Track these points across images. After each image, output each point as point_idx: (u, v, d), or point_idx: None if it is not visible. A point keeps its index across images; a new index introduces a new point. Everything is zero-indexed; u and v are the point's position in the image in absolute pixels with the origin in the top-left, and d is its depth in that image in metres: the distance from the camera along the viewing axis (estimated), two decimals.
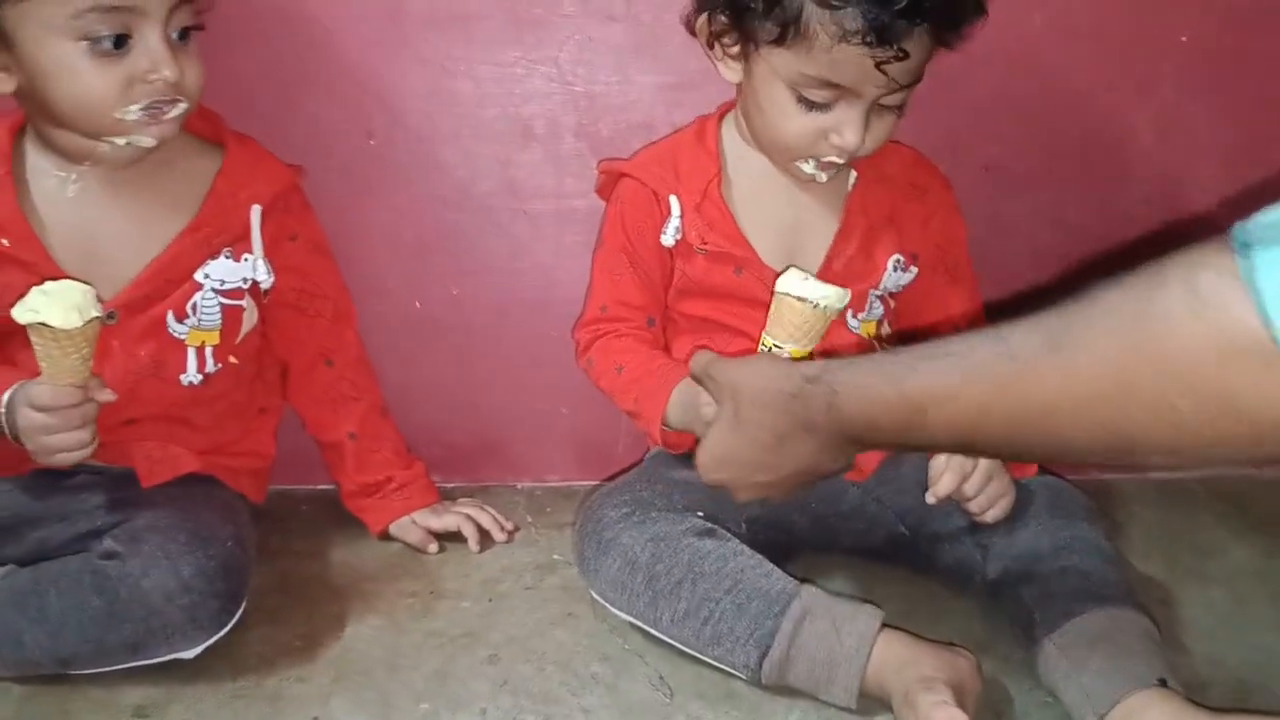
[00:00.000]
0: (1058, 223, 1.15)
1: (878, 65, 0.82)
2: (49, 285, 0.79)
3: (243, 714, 0.81)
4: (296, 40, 1.04)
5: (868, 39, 0.81)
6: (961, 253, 1.02)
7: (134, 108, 0.84)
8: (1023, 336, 0.57)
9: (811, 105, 0.87)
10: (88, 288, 0.80)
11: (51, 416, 0.81)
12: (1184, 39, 1.11)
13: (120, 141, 0.86)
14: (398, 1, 1.04)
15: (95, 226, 0.90)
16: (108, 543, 0.84)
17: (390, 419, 1.07)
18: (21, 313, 0.78)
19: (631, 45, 1.07)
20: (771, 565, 0.85)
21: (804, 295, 0.83)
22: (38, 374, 0.81)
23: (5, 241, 0.88)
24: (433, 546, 1.04)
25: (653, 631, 0.86)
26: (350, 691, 0.84)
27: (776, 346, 0.84)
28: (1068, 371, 0.55)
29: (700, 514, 0.88)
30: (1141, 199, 1.15)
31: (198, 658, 0.84)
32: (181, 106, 0.86)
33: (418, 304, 1.13)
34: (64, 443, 0.82)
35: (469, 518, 1.06)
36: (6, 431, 0.83)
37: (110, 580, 0.81)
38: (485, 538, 1.06)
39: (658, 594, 0.84)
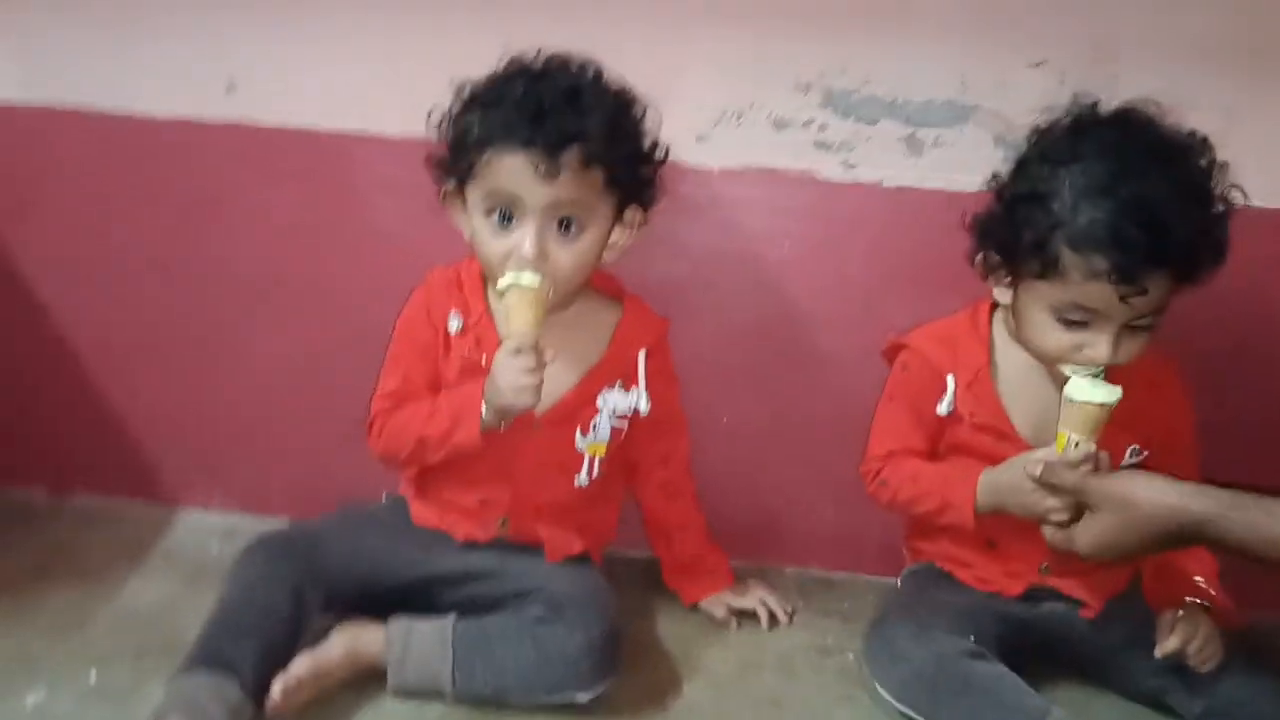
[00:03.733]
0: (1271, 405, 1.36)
1: (1122, 299, 1.03)
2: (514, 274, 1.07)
3: None
4: (660, 219, 1.26)
5: (1112, 278, 1.02)
6: (1188, 439, 1.22)
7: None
8: None
9: (1069, 324, 1.08)
10: (540, 275, 1.08)
11: (524, 356, 1.07)
12: None
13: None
14: (746, 194, 1.33)
15: None
16: (536, 608, 1.14)
17: (702, 511, 1.35)
18: (503, 282, 1.07)
19: (921, 230, 1.32)
20: (1026, 685, 1.10)
21: (1091, 400, 1.04)
22: None
23: (484, 358, 1.15)
24: (734, 623, 1.32)
25: None
26: None
27: (1077, 442, 1.05)
28: None
29: (971, 637, 1.14)
30: None
31: (588, 703, 1.13)
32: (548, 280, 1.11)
33: (725, 419, 1.42)
34: (529, 380, 1.08)
35: (763, 601, 1.34)
36: (485, 415, 1.12)
37: (542, 638, 1.11)
38: (772, 620, 1.33)
39: (938, 701, 1.10)
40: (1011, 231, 1.08)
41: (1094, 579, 1.22)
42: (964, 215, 1.16)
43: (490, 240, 1.11)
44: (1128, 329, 1.07)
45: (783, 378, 1.40)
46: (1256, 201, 1.20)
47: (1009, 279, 1.13)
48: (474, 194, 1.12)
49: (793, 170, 1.32)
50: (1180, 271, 1.05)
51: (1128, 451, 1.19)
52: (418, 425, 1.17)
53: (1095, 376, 1.08)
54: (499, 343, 1.14)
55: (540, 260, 1.09)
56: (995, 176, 1.15)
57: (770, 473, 1.44)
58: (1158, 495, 0.97)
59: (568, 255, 1.11)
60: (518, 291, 1.08)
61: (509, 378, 1.09)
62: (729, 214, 1.34)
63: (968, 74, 1.27)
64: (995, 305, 1.24)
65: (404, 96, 1.21)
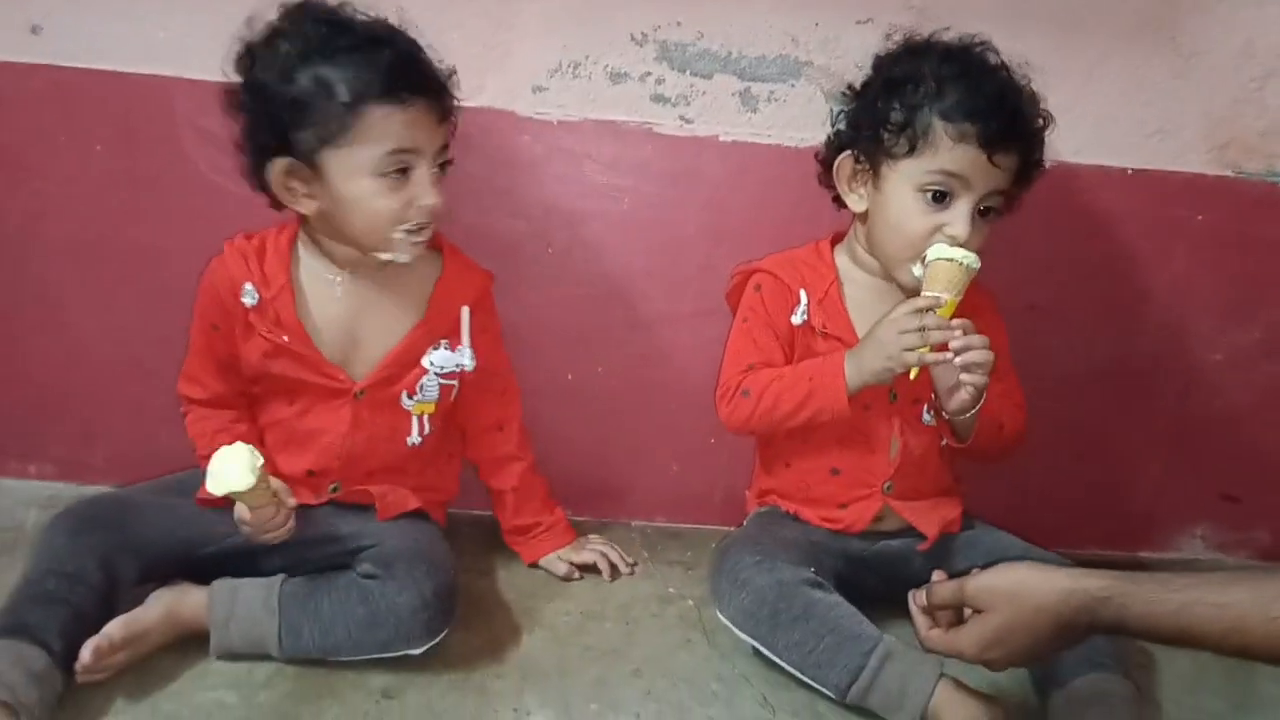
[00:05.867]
0: (1083, 353, 1.44)
1: (989, 158, 1.11)
2: (221, 453, 1.03)
3: (462, 702, 1.09)
4: (499, 171, 1.31)
5: (980, 140, 1.11)
6: (1005, 356, 1.27)
7: (402, 229, 1.10)
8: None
9: (933, 199, 1.14)
10: (248, 447, 1.03)
11: (253, 526, 1.08)
12: (1200, 218, 1.40)
13: (385, 256, 1.13)
14: (585, 147, 1.32)
15: (353, 323, 1.17)
16: (366, 566, 1.11)
17: (540, 474, 1.34)
18: (214, 485, 1.02)
19: (757, 185, 1.35)
20: (862, 616, 1.13)
21: (953, 257, 1.11)
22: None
23: (285, 338, 1.14)
24: (575, 576, 1.32)
25: (767, 653, 1.13)
26: (537, 690, 1.11)
27: (935, 296, 1.11)
28: None
29: (812, 569, 1.16)
30: (1153, 341, 1.44)
31: (422, 654, 1.11)
32: (430, 230, 1.13)
33: (569, 376, 1.41)
34: (267, 537, 1.10)
35: (603, 554, 1.34)
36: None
37: (372, 595, 1.08)
38: (614, 571, 1.34)
39: (778, 625, 1.12)
40: (880, 116, 1.15)
41: (931, 505, 1.27)
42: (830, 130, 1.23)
43: (385, 198, 1.08)
44: (979, 214, 1.15)
45: (625, 334, 1.40)
46: (1065, 158, 1.28)
47: (868, 178, 1.18)
48: (356, 156, 1.06)
49: (631, 123, 1.32)
50: (1026, 151, 1.16)
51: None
52: (197, 442, 1.19)
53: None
54: (298, 323, 1.14)
55: (441, 211, 1.11)
56: (850, 86, 1.23)
57: (614, 429, 1.45)
58: (1047, 581, 0.91)
59: (441, 195, 1.11)
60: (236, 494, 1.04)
61: (254, 531, 1.10)
62: (568, 168, 1.33)
63: (798, 30, 1.30)
64: (835, 241, 1.28)
65: (225, 39, 1.15)
